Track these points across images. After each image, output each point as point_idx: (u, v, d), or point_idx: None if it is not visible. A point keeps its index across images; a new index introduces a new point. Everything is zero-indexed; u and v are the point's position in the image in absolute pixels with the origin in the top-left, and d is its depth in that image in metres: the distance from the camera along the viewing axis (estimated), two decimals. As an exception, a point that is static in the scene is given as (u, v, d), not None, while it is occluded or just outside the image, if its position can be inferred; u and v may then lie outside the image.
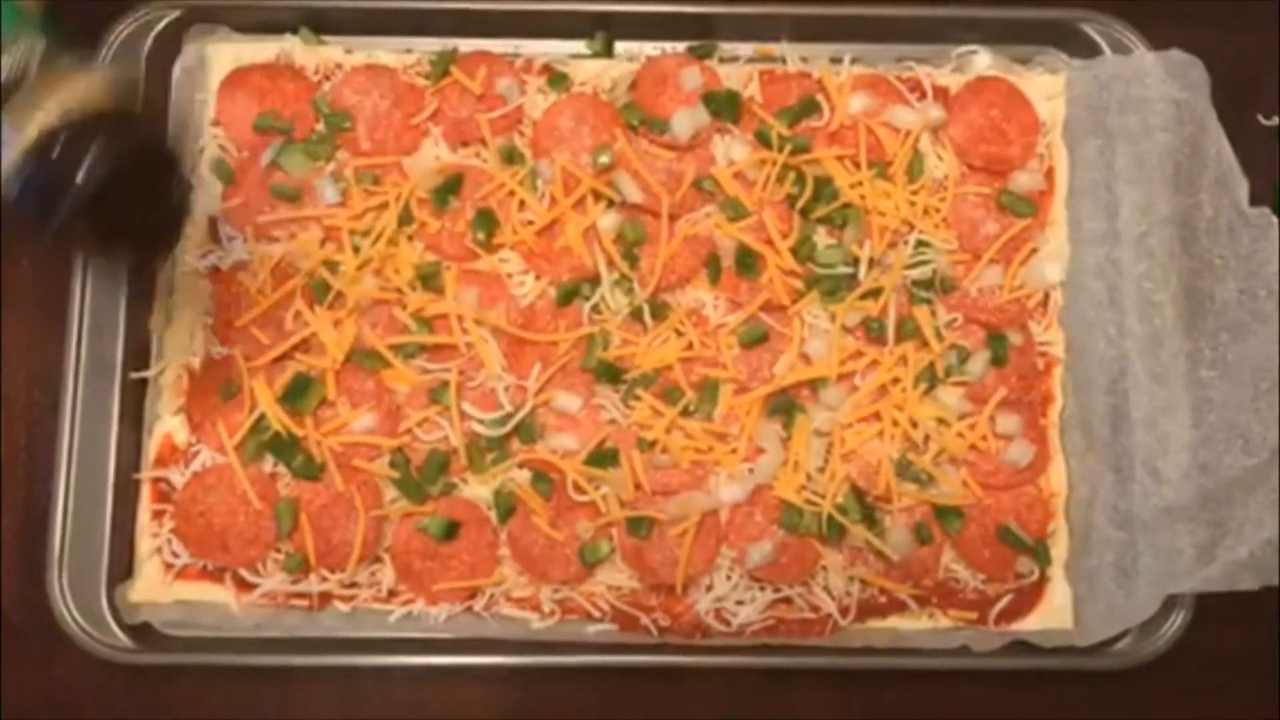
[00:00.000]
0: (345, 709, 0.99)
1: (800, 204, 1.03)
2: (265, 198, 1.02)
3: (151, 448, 0.99)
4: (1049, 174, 1.06)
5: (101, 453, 0.98)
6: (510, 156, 1.03)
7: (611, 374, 1.00)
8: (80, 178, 0.70)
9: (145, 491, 0.99)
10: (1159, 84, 1.01)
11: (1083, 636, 0.99)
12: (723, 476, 0.99)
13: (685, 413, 0.99)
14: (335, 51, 1.06)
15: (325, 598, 0.97)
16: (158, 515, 0.98)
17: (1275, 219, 0.96)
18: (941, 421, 1.01)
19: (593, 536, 0.98)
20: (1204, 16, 1.04)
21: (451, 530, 0.97)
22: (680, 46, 1.07)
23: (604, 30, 1.07)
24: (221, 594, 0.97)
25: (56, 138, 0.70)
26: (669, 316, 1.01)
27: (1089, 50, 1.06)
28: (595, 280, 1.01)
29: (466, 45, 1.06)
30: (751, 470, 0.99)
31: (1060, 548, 1.01)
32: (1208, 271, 0.99)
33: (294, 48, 1.05)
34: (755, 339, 1.01)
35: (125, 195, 0.74)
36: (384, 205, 1.01)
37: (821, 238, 1.03)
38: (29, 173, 0.70)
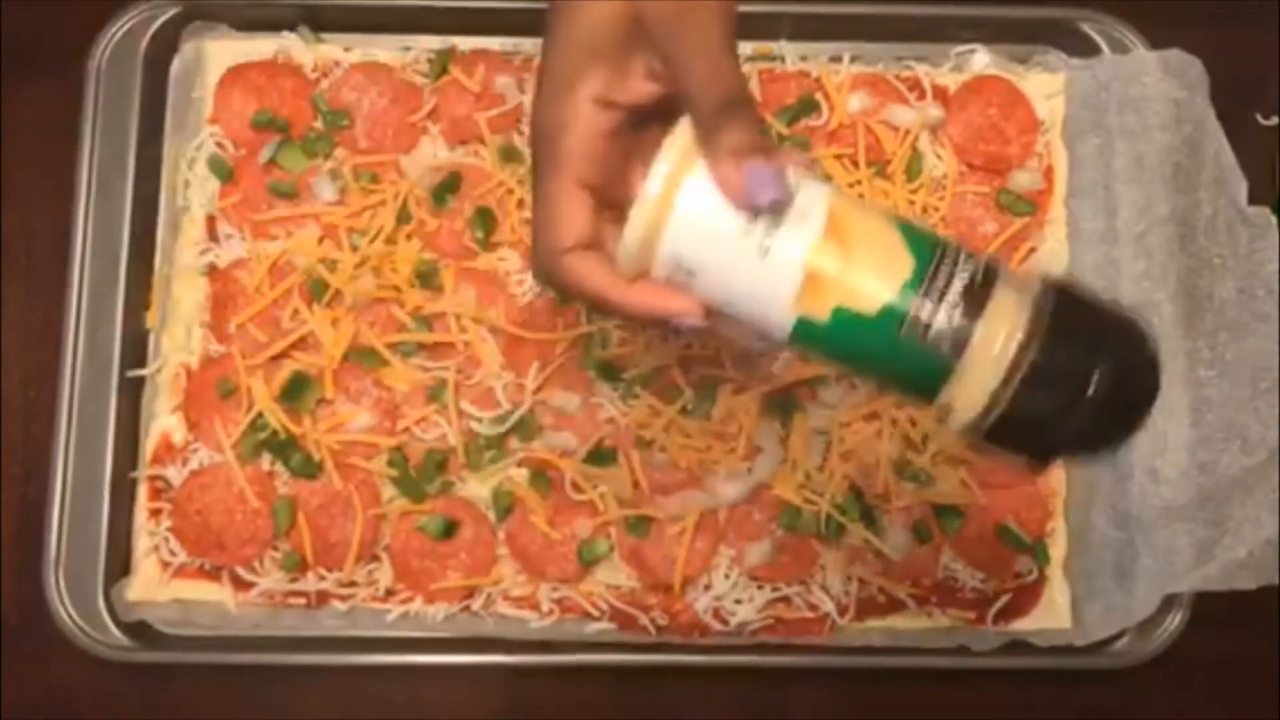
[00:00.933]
0: (343, 707, 0.99)
1: (799, 203, 1.02)
2: (263, 195, 1.02)
3: (148, 446, 0.99)
4: (1048, 173, 1.06)
5: (98, 451, 0.97)
6: (509, 155, 1.03)
7: (610, 372, 1.00)
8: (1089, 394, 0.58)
9: (142, 490, 0.98)
10: (1158, 83, 1.01)
11: (1081, 636, 0.98)
12: (721, 475, 0.99)
13: (684, 411, 0.99)
14: (334, 49, 1.05)
15: (323, 597, 0.97)
16: (155, 514, 0.98)
17: (1274, 218, 0.96)
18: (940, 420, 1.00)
19: (591, 535, 0.98)
20: (1204, 16, 1.04)
21: (450, 529, 0.97)
22: (679, 45, 1.07)
23: (603, 28, 1.07)
24: (219, 593, 0.97)
25: (1044, 355, 0.59)
26: (668, 315, 1.00)
27: (1088, 49, 1.06)
28: (594, 279, 1.01)
29: (465, 43, 1.05)
30: (750, 469, 0.99)
31: (1059, 547, 1.01)
32: (1206, 271, 0.99)
33: (292, 45, 1.05)
34: (754, 338, 1.01)
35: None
36: (382, 203, 1.01)
37: (820, 236, 1.03)
38: (1016, 401, 0.60)
